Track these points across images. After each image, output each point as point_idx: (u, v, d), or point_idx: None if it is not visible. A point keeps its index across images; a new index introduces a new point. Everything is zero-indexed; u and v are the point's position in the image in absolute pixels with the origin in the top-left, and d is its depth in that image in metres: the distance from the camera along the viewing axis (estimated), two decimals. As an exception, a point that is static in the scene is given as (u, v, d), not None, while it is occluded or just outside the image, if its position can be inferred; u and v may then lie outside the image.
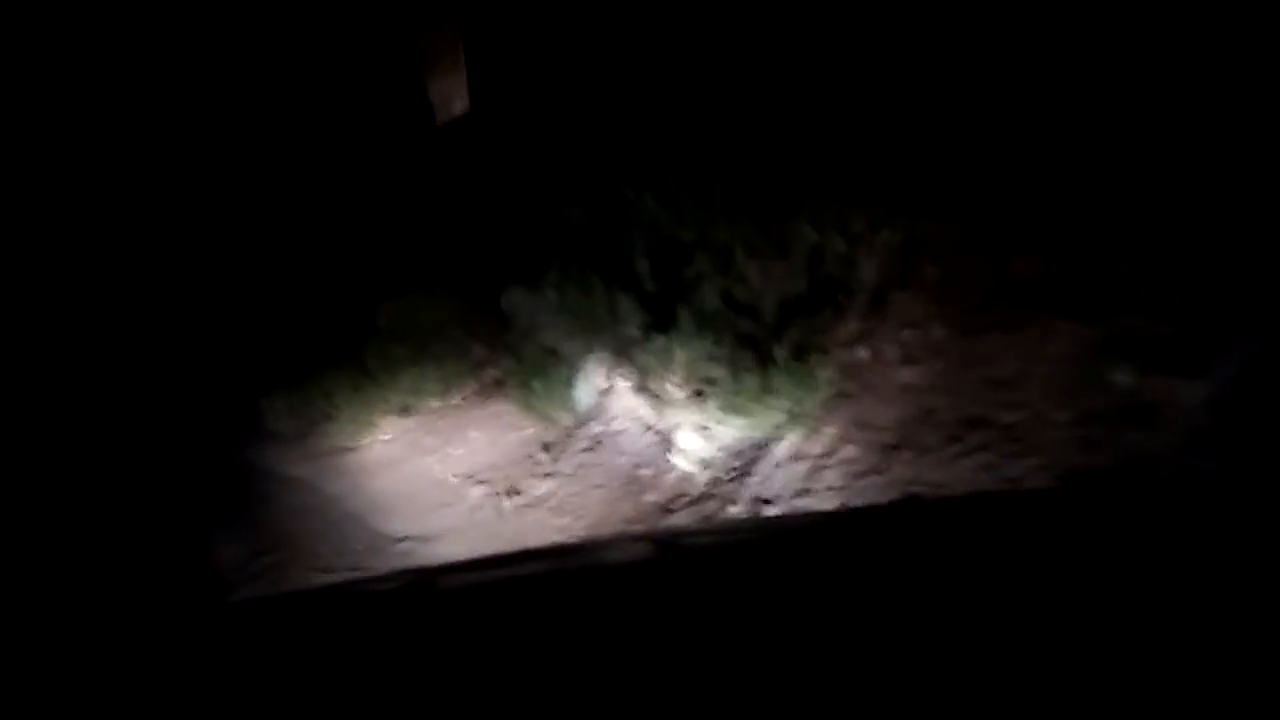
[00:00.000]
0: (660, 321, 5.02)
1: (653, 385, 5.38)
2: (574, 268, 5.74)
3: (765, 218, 5.03)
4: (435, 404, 8.93)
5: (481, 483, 6.37)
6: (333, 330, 10.11)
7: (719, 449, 4.54)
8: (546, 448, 6.51)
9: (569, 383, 6.86)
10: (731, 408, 4.47)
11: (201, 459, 8.44)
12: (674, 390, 4.92)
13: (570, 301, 5.66)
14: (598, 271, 5.46)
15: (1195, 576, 0.86)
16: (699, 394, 4.71)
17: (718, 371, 4.60)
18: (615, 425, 6.19)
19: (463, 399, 8.74)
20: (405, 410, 8.96)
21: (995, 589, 0.89)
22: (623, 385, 6.56)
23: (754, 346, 4.50)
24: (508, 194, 9.62)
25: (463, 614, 1.07)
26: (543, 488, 5.83)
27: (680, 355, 4.74)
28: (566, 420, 6.76)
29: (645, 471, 5.24)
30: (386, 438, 8.57)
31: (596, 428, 6.35)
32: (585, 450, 6.08)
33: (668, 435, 5.17)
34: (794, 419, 4.22)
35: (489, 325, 9.13)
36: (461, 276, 9.70)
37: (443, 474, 6.81)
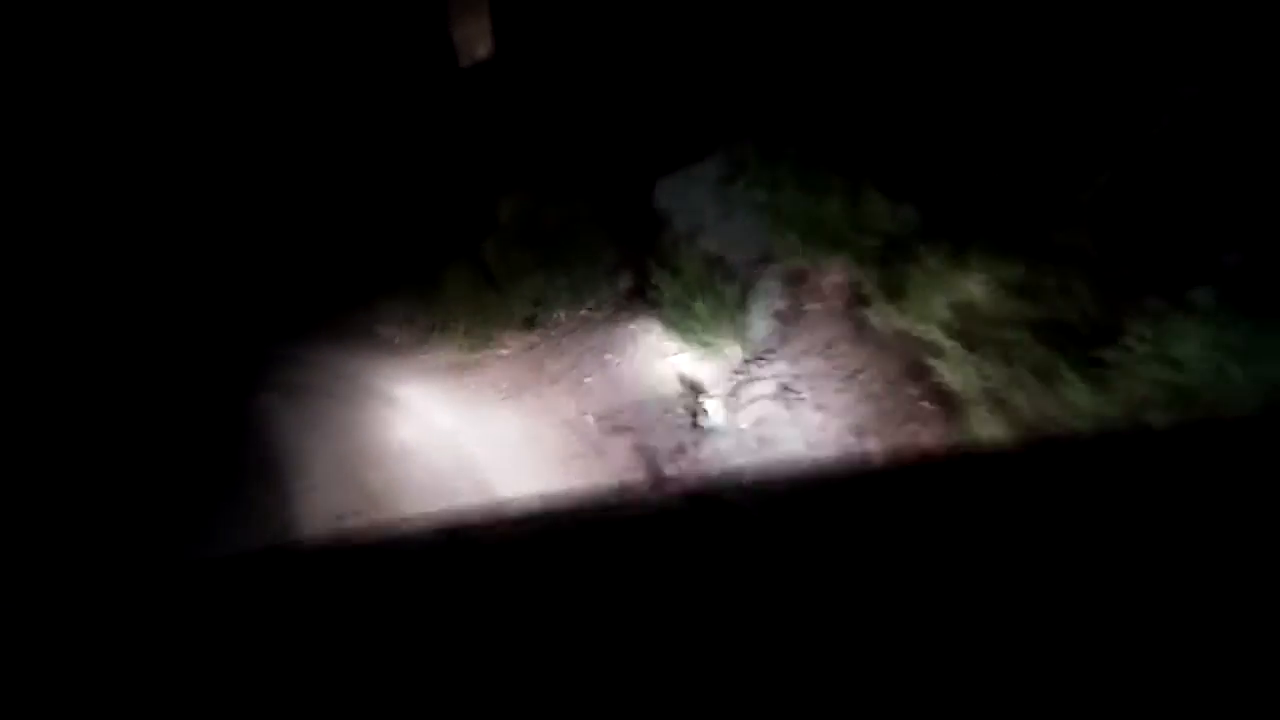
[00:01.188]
0: (932, 228, 3.27)
1: (891, 318, 3.69)
2: (788, 152, 4.04)
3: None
4: (562, 316, 7.53)
5: (624, 429, 4.90)
6: (450, 228, 8.77)
7: (1020, 422, 2.81)
8: (710, 389, 4.95)
9: (741, 304, 5.23)
10: (1061, 375, 2.66)
11: (303, 371, 7.39)
12: (940, 332, 3.20)
13: (784, 196, 3.96)
14: (824, 160, 3.71)
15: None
16: (996, 343, 2.93)
17: (1039, 307, 2.82)
18: (810, 365, 4.54)
19: (594, 311, 7.30)
20: (529, 323, 7.60)
21: (1037, 543, 0.86)
22: (817, 309, 4.88)
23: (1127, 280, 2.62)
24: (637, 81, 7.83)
25: (494, 565, 1.06)
26: (706, 450, 4.30)
27: (973, 287, 2.98)
28: (735, 351, 5.17)
29: (870, 443, 3.62)
30: (507, 353, 7.26)
31: (781, 366, 4.72)
32: (769, 398, 4.48)
33: (916, 390, 3.49)
34: (1176, 395, 2.40)
35: (628, 227, 7.54)
36: (593, 170, 8.09)
37: (575, 411, 5.40)
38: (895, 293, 3.44)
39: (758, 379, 4.71)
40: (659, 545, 1.09)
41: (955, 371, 2.97)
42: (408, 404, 6.31)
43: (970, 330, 2.93)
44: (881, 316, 3.70)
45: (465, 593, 1.00)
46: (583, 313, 7.29)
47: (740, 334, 5.20)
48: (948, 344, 3.05)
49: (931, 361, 3.25)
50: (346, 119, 9.48)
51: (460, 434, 5.52)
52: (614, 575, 0.98)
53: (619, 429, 4.92)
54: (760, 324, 5.15)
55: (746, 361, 4.94)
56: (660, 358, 5.72)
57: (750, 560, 0.97)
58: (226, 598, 1.09)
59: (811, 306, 4.94)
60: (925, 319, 3.13)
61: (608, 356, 6.26)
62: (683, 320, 5.37)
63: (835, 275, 4.84)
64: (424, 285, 8.28)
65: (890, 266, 3.47)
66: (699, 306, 5.19)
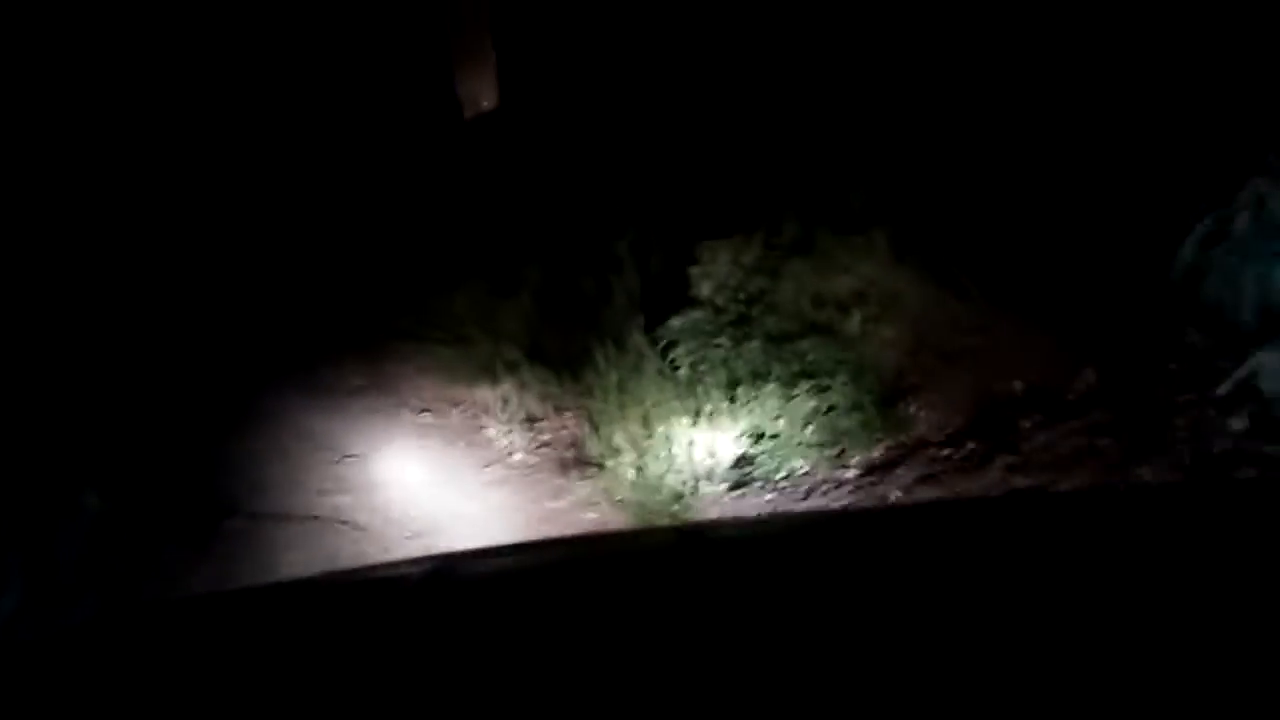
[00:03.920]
0: None
1: None
2: None
3: None
4: (806, 470, 4.02)
5: None
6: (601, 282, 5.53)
7: None
8: None
9: None
10: None
11: (358, 488, 4.25)
12: None
13: None
14: None
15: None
16: None
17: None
18: None
19: (869, 478, 3.81)
20: (742, 470, 4.14)
21: (1018, 592, 0.82)
22: None
23: None
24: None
25: (484, 601, 1.02)
26: None
27: None
28: None
29: None
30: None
31: None
32: None
33: None
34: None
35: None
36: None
37: None
38: None
39: None
40: (653, 579, 1.00)
41: None
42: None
43: None
44: None
45: (454, 623, 0.93)
46: (847, 473, 3.87)
47: None
48: None
49: None
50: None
51: None
52: (606, 607, 0.91)
53: None
54: None
55: None
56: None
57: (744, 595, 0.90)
58: (211, 633, 0.96)
59: None
60: None
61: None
62: None
63: None
64: (565, 366, 5.06)
65: None
66: None
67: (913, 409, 4.05)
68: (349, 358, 5.83)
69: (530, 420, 4.91)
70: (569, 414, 4.81)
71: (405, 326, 6.03)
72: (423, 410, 5.19)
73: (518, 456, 4.73)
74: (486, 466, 4.73)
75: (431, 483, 4.52)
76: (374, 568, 2.00)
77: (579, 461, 4.43)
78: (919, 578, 0.89)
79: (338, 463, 4.63)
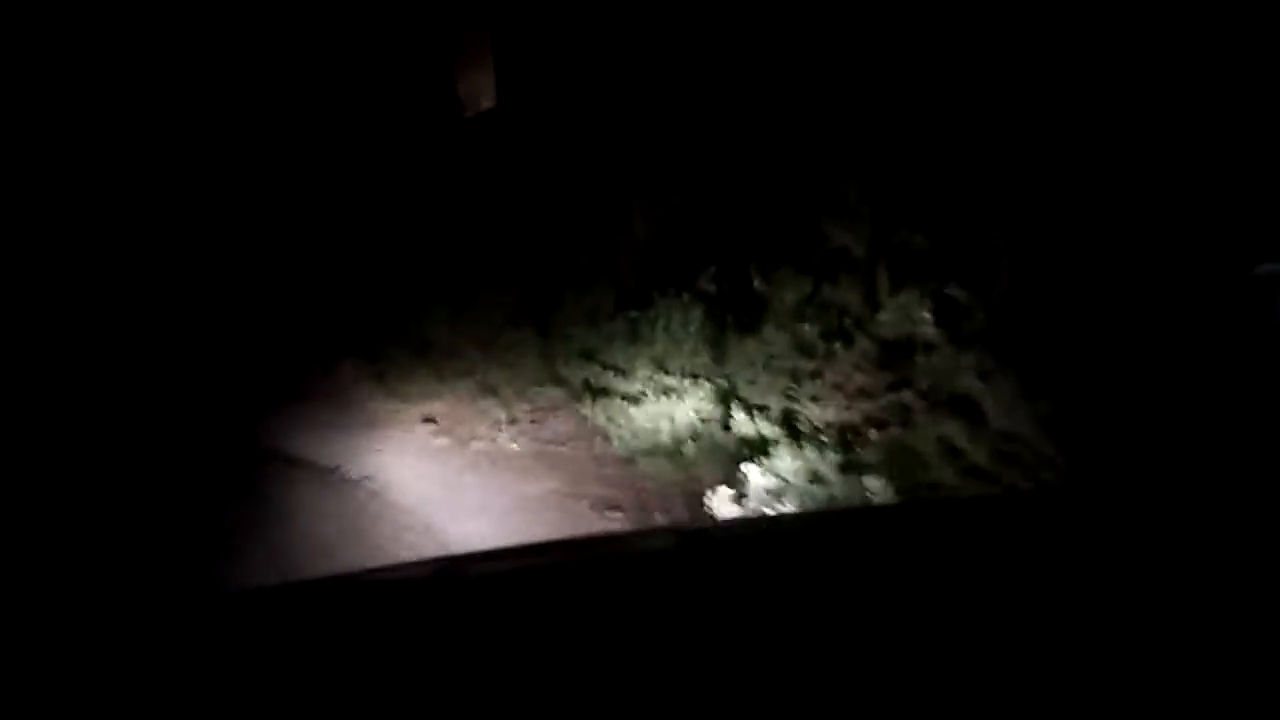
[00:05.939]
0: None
1: None
2: None
3: None
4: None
5: None
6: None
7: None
8: None
9: None
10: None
11: None
12: None
13: None
14: None
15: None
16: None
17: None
18: None
19: None
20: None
21: (1002, 589, 0.87)
22: None
23: None
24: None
25: (489, 602, 1.05)
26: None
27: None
28: None
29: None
30: None
31: None
32: None
33: None
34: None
35: None
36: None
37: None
38: None
39: None
40: (652, 581, 1.03)
41: None
42: None
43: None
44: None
45: (457, 621, 0.96)
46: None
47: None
48: None
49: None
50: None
51: None
52: (607, 607, 0.94)
53: None
54: None
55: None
56: None
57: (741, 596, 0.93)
58: (222, 631, 1.01)
59: None
60: None
61: None
62: None
63: None
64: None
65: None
66: None
67: None
68: (515, 423, 4.70)
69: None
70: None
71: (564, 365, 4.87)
72: (610, 508, 4.07)
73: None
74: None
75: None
76: (381, 569, 2.02)
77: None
78: (920, 576, 0.89)
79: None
